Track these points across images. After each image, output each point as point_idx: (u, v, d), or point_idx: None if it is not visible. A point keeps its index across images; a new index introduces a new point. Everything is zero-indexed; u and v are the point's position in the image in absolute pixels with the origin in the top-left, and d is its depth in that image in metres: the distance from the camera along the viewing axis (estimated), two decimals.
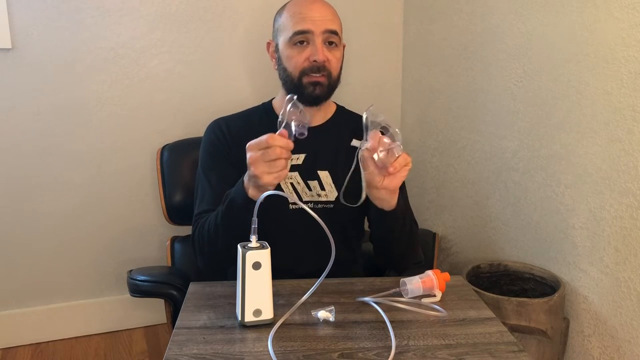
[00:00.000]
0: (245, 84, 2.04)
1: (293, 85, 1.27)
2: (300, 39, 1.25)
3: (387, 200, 1.10)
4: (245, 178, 1.09)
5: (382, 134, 1.02)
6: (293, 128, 1.00)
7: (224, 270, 1.25)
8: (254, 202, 1.02)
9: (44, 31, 1.80)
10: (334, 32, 1.26)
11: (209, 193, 1.28)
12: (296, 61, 1.25)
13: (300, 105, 1.01)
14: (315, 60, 1.23)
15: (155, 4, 1.89)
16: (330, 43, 1.26)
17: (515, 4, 1.57)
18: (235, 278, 0.94)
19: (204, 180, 1.31)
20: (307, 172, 1.29)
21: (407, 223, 1.21)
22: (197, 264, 1.27)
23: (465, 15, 1.80)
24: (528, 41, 1.54)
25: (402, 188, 1.36)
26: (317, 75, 1.24)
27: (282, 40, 1.28)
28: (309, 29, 1.24)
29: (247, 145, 1.03)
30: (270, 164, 0.99)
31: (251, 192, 1.07)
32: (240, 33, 1.99)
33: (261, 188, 1.03)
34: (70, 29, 1.82)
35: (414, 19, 2.11)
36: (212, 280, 1.14)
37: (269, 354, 0.85)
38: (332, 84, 1.28)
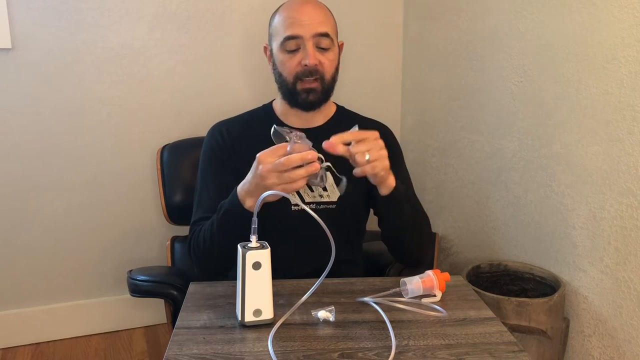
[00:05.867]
0: (245, 85, 2.03)
1: (288, 90, 1.27)
2: (291, 44, 1.24)
3: (381, 180, 1.11)
4: (241, 188, 1.09)
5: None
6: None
7: (221, 275, 1.24)
8: (250, 213, 1.01)
9: (44, 31, 1.80)
10: (325, 35, 1.24)
11: (206, 200, 1.28)
12: (289, 66, 1.25)
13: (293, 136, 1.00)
14: (306, 65, 1.23)
15: (155, 4, 1.89)
16: (322, 47, 1.25)
17: (515, 4, 1.57)
18: (235, 278, 0.94)
19: (202, 187, 1.30)
20: None
21: (411, 209, 1.22)
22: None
23: (465, 15, 1.80)
24: (528, 41, 1.53)
25: (408, 182, 1.37)
26: (310, 79, 1.24)
27: (275, 45, 1.28)
28: (298, 34, 1.23)
29: (258, 155, 1.01)
30: (281, 175, 0.98)
31: (249, 203, 1.07)
32: (240, 33, 1.99)
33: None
34: (70, 29, 1.82)
35: (414, 19, 2.11)
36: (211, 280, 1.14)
37: (269, 354, 0.85)
38: (327, 87, 1.27)
